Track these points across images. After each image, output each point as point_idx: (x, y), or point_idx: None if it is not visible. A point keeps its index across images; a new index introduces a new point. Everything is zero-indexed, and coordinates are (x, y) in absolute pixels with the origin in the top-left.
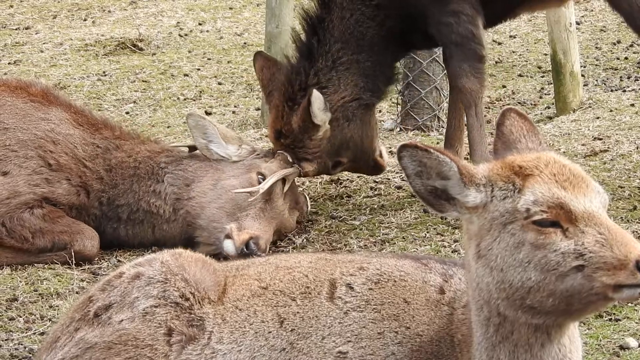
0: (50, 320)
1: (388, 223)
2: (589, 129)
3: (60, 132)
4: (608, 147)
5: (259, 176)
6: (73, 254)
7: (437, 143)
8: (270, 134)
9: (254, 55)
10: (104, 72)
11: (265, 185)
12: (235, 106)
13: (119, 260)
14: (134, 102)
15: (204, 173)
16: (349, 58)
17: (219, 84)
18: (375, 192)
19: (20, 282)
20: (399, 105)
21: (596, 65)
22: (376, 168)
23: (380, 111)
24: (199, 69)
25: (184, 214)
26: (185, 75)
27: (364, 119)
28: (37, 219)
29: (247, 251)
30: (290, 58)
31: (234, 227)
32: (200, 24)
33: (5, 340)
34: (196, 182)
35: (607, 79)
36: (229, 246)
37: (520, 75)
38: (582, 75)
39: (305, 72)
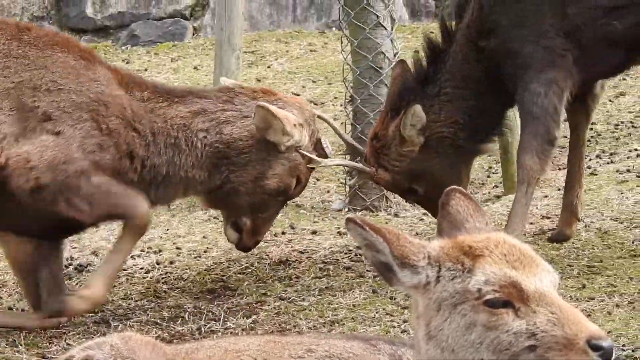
0: None
1: (337, 304)
2: (537, 208)
3: (110, 94)
4: (556, 226)
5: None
6: (129, 225)
7: (386, 222)
8: (369, 134)
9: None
10: None
11: (331, 162)
12: None
13: (68, 344)
14: None
15: (249, 160)
16: (453, 91)
17: None
18: (324, 273)
19: None
20: (347, 186)
21: None
22: None
23: (328, 192)
24: None
25: (218, 182)
26: None
27: (454, 161)
28: (94, 188)
29: (243, 250)
30: (410, 75)
31: (249, 224)
32: None
33: None
34: (239, 168)
35: (555, 157)
36: (232, 237)
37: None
38: None
39: (414, 92)
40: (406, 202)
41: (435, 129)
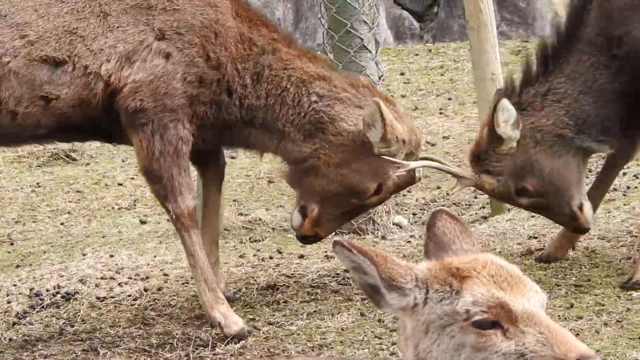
0: None
1: (325, 327)
2: (524, 228)
3: (224, 24)
4: (544, 246)
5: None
6: (171, 208)
7: (374, 245)
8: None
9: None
10: (37, 183)
11: (419, 164)
12: None
13: None
14: (69, 212)
15: (343, 144)
16: (567, 93)
17: None
18: (312, 297)
19: None
20: None
21: None
22: (572, 220)
23: None
24: (132, 178)
25: (306, 153)
26: (120, 184)
27: (559, 150)
28: (175, 140)
29: (302, 239)
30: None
31: (315, 213)
32: None
33: None
34: (331, 147)
35: None
36: (296, 221)
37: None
38: None
39: (513, 95)
40: (520, 208)
41: (532, 122)
